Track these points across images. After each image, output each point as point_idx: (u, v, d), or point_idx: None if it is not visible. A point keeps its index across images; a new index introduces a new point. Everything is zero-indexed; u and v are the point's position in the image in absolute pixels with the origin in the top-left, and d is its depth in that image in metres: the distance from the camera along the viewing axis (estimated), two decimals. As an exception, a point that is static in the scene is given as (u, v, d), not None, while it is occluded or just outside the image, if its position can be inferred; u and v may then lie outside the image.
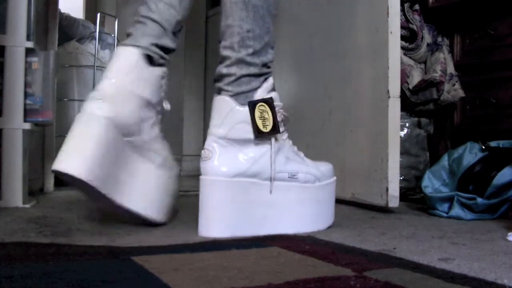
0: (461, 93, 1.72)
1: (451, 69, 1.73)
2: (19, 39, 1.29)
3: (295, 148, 1.04)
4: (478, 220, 1.23)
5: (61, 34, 1.86)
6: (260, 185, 0.96)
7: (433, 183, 1.39)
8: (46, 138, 1.73)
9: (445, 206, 1.29)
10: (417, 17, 1.74)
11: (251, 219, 0.95)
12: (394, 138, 1.31)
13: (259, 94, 0.97)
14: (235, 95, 0.95)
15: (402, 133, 1.70)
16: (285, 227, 0.98)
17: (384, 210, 1.33)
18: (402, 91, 1.51)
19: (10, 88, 1.28)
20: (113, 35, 2.13)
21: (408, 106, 1.71)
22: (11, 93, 1.29)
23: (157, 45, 1.00)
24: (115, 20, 2.20)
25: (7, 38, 1.28)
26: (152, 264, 0.68)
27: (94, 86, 1.96)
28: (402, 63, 1.59)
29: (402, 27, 1.64)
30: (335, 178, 1.09)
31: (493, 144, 1.34)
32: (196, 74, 2.63)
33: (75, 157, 0.89)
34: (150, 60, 1.00)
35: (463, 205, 1.26)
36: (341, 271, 0.66)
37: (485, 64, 1.73)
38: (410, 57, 1.76)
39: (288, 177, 0.99)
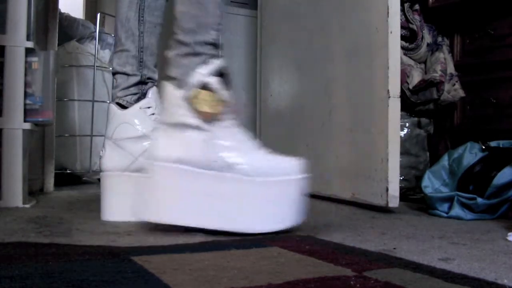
0: (461, 93, 1.72)
1: (451, 69, 1.73)
2: (19, 39, 1.29)
3: (245, 137, 0.97)
4: (478, 220, 1.23)
5: (61, 34, 1.86)
6: (195, 173, 0.92)
7: (433, 183, 1.39)
8: (46, 138, 1.73)
9: (445, 206, 1.29)
10: (417, 17, 1.74)
11: (188, 207, 0.92)
12: (394, 138, 1.31)
13: (198, 77, 0.94)
14: (174, 79, 0.95)
15: (402, 133, 1.70)
16: (222, 221, 0.92)
17: (384, 210, 1.33)
18: (402, 91, 1.51)
19: (10, 88, 1.28)
20: (113, 35, 2.13)
21: (408, 106, 1.71)
22: (11, 93, 1.29)
23: (125, 89, 1.15)
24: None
25: (7, 38, 1.28)
26: (152, 264, 0.68)
27: (94, 86, 1.97)
28: (402, 63, 1.59)
29: (402, 27, 1.64)
30: (298, 176, 0.96)
31: (493, 144, 1.34)
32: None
33: None
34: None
35: (463, 205, 1.26)
36: (341, 271, 0.66)
37: (485, 64, 1.73)
38: (410, 57, 1.76)
39: (226, 167, 0.93)
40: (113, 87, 1.18)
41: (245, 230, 0.92)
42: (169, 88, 0.95)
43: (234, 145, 0.95)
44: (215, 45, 0.98)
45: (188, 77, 0.95)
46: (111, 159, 1.11)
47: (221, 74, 0.97)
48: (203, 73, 0.95)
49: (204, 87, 0.94)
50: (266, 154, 0.96)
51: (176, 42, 0.97)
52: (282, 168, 0.95)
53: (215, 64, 0.96)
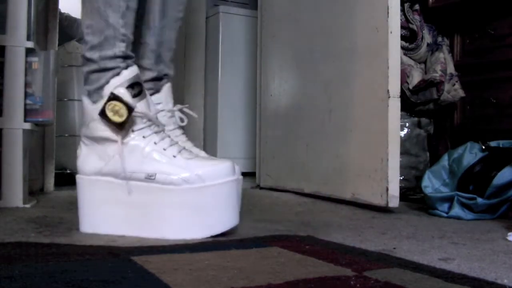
0: (461, 93, 1.73)
1: (451, 69, 1.73)
2: (19, 39, 1.29)
3: (166, 145, 0.95)
4: (478, 220, 1.23)
5: (61, 34, 1.86)
6: (116, 184, 0.93)
7: (433, 183, 1.39)
8: (46, 138, 1.73)
9: (445, 206, 1.29)
10: (417, 17, 1.74)
11: (112, 218, 0.93)
12: (394, 138, 1.31)
13: (107, 91, 0.94)
14: (89, 94, 0.96)
15: (402, 133, 1.70)
16: (149, 230, 0.92)
17: (384, 210, 1.33)
18: (402, 91, 1.51)
19: (10, 88, 1.28)
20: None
21: (408, 106, 1.72)
22: (11, 93, 1.29)
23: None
24: (115, 20, 2.19)
25: (7, 38, 1.28)
26: (152, 264, 0.68)
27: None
28: (402, 63, 1.59)
29: (402, 27, 1.64)
30: (223, 180, 0.93)
31: (493, 144, 1.34)
32: (196, 74, 2.63)
33: None
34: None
35: (463, 205, 1.26)
36: (341, 271, 0.66)
37: (485, 64, 1.73)
38: (410, 57, 1.76)
39: (145, 178, 0.92)
40: None
41: (173, 238, 0.90)
42: (86, 102, 0.96)
43: (152, 154, 0.94)
44: (124, 57, 0.96)
45: (101, 91, 0.95)
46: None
47: (134, 83, 0.95)
48: (113, 85, 0.94)
49: (114, 98, 0.93)
50: (188, 159, 0.94)
51: (84, 59, 0.96)
52: (206, 174, 0.92)
53: (125, 75, 0.95)
